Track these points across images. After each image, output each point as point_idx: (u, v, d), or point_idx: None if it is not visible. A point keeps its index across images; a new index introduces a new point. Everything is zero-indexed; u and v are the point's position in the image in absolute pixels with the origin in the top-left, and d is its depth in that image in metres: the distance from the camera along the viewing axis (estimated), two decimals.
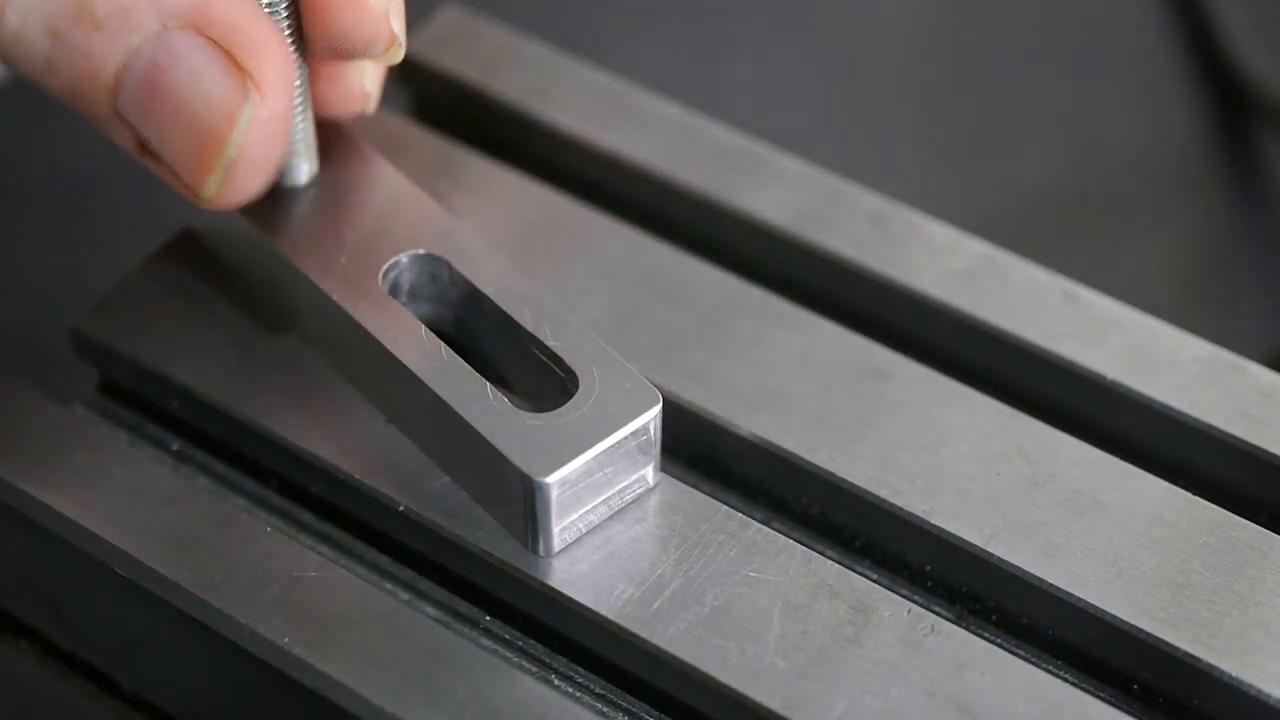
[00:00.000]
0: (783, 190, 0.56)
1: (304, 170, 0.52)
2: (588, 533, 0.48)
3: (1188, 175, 0.91)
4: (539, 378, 0.49)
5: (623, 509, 0.48)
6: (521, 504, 0.46)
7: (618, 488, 0.48)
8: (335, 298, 0.49)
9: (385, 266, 0.50)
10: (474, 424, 0.47)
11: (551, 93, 0.58)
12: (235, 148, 0.47)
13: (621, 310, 0.53)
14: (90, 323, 0.52)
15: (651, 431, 0.47)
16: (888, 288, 0.54)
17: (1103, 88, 0.91)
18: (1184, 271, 0.89)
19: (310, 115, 0.51)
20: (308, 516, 0.51)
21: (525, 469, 0.46)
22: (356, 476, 0.49)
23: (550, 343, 0.48)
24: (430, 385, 0.47)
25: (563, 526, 0.47)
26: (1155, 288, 0.87)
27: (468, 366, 0.48)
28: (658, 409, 0.47)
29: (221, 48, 0.46)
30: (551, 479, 0.46)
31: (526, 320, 0.49)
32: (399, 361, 0.48)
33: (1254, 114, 0.91)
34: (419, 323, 0.49)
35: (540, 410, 0.47)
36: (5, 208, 0.80)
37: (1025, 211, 0.87)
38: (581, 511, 0.47)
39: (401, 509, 0.48)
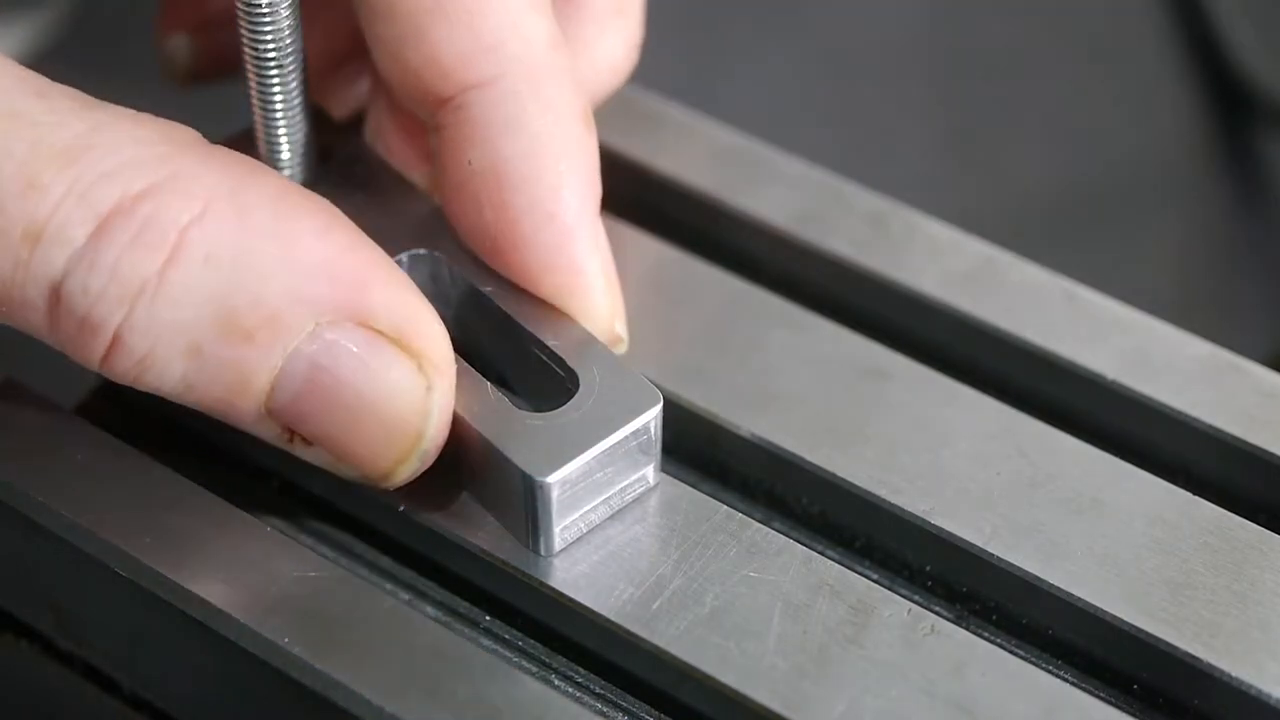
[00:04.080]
0: (783, 190, 0.56)
1: (304, 170, 0.51)
2: (588, 532, 0.48)
3: (1188, 175, 0.91)
4: (539, 378, 0.49)
5: (623, 509, 0.48)
6: (523, 504, 0.46)
7: (618, 487, 0.48)
8: None
9: None
10: (474, 424, 0.47)
11: None
12: (430, 440, 0.46)
13: None
14: None
15: (652, 431, 0.47)
16: (888, 288, 0.54)
17: (1102, 88, 0.91)
18: (1184, 271, 0.89)
19: (308, 114, 0.51)
20: (308, 516, 0.51)
21: (526, 469, 0.46)
22: None
23: (551, 342, 0.48)
24: None
25: (563, 526, 0.47)
26: (1155, 288, 0.87)
27: (468, 366, 0.48)
28: (658, 409, 0.47)
29: (387, 336, 0.45)
30: (553, 479, 0.46)
31: (527, 320, 0.49)
32: None
33: (1254, 114, 0.91)
34: None
35: (541, 410, 0.47)
36: None
37: (1025, 211, 0.87)
38: (582, 511, 0.47)
39: (401, 509, 0.48)
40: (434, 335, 0.46)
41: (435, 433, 0.46)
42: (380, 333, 0.45)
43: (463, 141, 0.49)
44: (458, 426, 0.47)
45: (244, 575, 0.47)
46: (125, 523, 0.48)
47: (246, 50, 0.49)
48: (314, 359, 0.45)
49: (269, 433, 0.46)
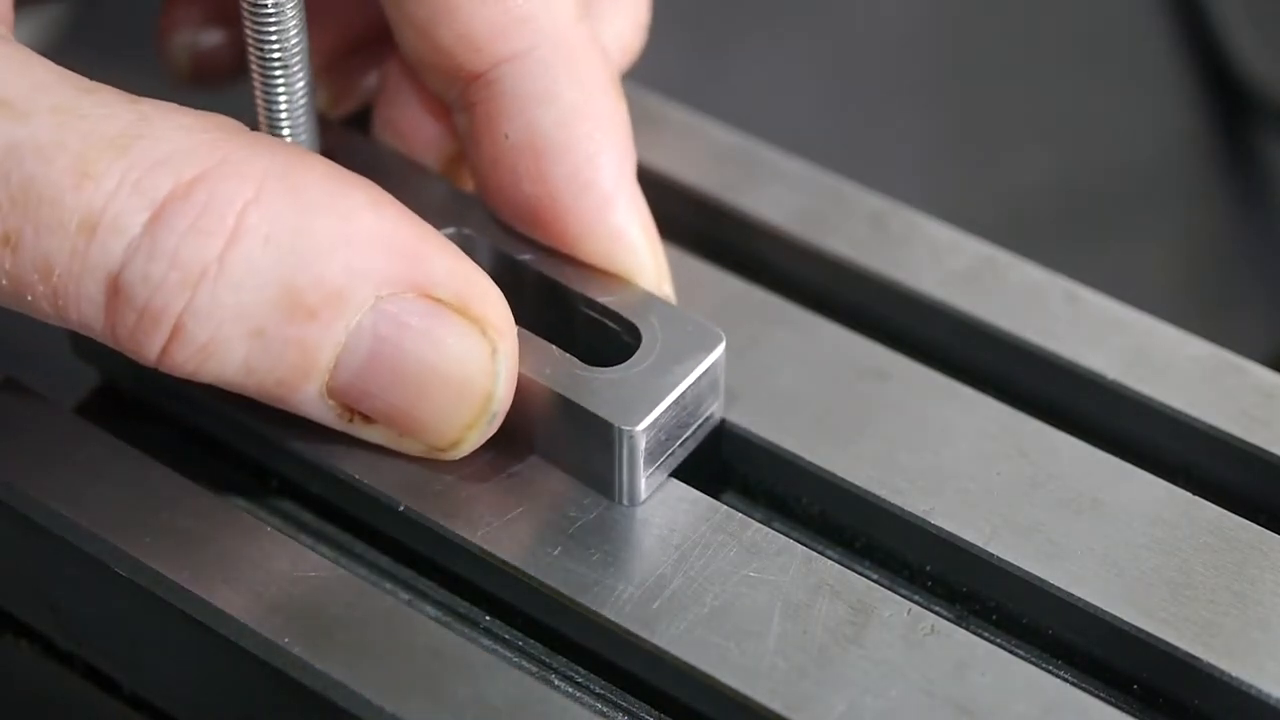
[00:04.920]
0: (783, 190, 0.56)
1: None
2: (591, 532, 0.48)
3: (1188, 175, 0.91)
4: (592, 337, 0.49)
5: (623, 511, 0.48)
6: (610, 456, 0.47)
7: (692, 428, 0.49)
8: None
9: None
10: (549, 384, 0.47)
11: None
12: (499, 401, 0.47)
13: None
14: None
15: (719, 368, 0.49)
16: (888, 288, 0.54)
17: (1102, 88, 0.91)
18: (1184, 271, 0.89)
19: (313, 114, 0.51)
20: (308, 516, 0.51)
21: (614, 420, 0.47)
22: (356, 476, 0.49)
23: (604, 299, 0.49)
24: None
25: (649, 473, 0.48)
26: (1155, 288, 0.87)
27: (529, 332, 0.48)
28: (722, 345, 0.48)
29: (448, 304, 0.46)
30: (640, 427, 0.47)
31: (572, 280, 0.49)
32: None
33: (1254, 114, 0.91)
34: None
35: (604, 366, 0.48)
36: None
37: (1025, 211, 0.87)
38: (664, 457, 0.48)
39: (401, 509, 0.48)
40: (493, 299, 0.47)
41: (503, 394, 0.47)
42: (441, 301, 0.46)
43: (497, 115, 0.50)
44: (529, 388, 0.48)
45: (244, 575, 0.47)
46: (125, 523, 0.48)
47: (251, 50, 0.49)
48: (377, 332, 0.45)
49: (327, 415, 0.47)
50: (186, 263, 0.43)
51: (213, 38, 0.56)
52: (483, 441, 0.48)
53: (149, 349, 0.44)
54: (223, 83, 0.57)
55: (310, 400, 0.46)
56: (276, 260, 0.44)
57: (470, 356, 0.46)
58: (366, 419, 0.47)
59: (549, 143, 0.49)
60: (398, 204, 0.46)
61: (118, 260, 0.44)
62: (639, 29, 0.55)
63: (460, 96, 0.51)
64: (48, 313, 0.45)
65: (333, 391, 0.46)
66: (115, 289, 0.44)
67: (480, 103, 0.50)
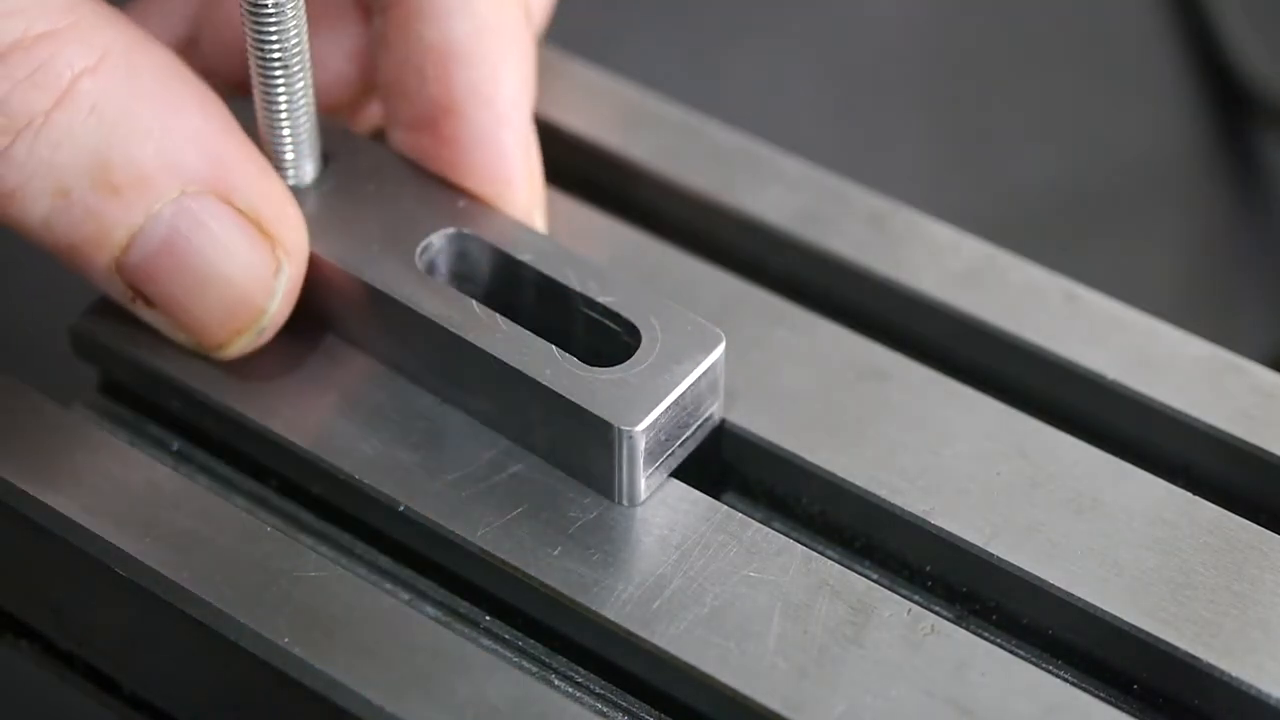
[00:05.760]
0: (783, 190, 0.56)
1: (308, 170, 0.52)
2: (590, 532, 0.48)
3: (1188, 175, 0.91)
4: (592, 337, 0.50)
5: (623, 511, 0.48)
6: (609, 457, 0.47)
7: (692, 428, 0.49)
8: (379, 286, 0.49)
9: (420, 248, 0.50)
10: (552, 386, 0.48)
11: (552, 93, 0.58)
12: (270, 316, 0.48)
13: None
14: (90, 323, 0.52)
15: (719, 369, 0.49)
16: (888, 288, 0.54)
17: (1103, 88, 0.92)
18: (1184, 271, 0.89)
19: (313, 115, 0.51)
20: (308, 516, 0.51)
21: (614, 421, 0.47)
22: (356, 476, 0.49)
23: (604, 299, 0.49)
24: (500, 357, 0.48)
25: (649, 474, 0.48)
26: (1155, 288, 0.87)
27: (529, 333, 0.48)
28: (722, 346, 0.49)
29: (247, 215, 0.48)
30: (640, 427, 0.47)
31: (572, 281, 0.50)
32: (463, 340, 0.49)
33: (1254, 114, 0.91)
34: (469, 298, 0.49)
35: (604, 366, 0.48)
36: None
37: (1026, 211, 0.87)
38: (664, 457, 0.48)
39: (401, 509, 0.48)
40: (291, 222, 0.49)
41: (277, 312, 0.49)
42: (240, 211, 0.48)
43: (414, 18, 0.51)
44: (534, 392, 0.48)
45: (244, 575, 0.47)
46: (125, 523, 0.48)
47: (252, 50, 0.49)
48: (173, 223, 0.47)
49: (115, 290, 0.49)
50: (14, 111, 0.45)
51: None
52: (249, 350, 0.49)
53: None
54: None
55: (100, 273, 0.48)
56: (96, 132, 0.46)
57: (252, 269, 0.48)
58: (149, 303, 0.49)
59: (460, 49, 0.51)
60: (229, 115, 0.48)
61: None
62: None
63: None
64: None
65: (122, 268, 0.48)
66: None
67: (399, 4, 0.51)
